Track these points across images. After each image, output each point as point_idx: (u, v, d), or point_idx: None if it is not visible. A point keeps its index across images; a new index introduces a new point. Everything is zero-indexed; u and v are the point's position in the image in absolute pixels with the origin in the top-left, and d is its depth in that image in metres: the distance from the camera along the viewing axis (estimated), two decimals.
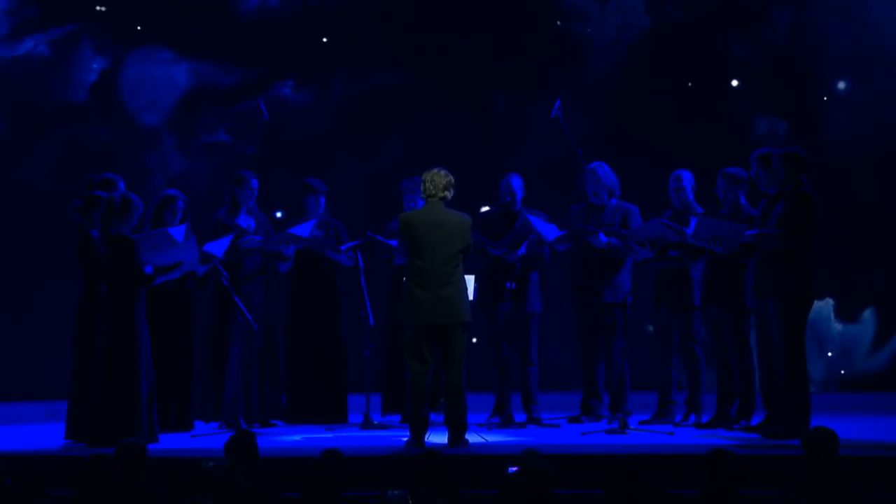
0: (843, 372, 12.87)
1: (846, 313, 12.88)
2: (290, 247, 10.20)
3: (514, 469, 6.24)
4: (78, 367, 9.25)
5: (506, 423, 9.88)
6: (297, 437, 9.41)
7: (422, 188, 8.91)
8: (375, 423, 9.98)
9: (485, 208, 10.48)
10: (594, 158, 10.26)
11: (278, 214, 10.34)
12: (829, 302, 12.76)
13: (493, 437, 9.16)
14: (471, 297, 9.45)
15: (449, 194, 8.85)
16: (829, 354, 12.85)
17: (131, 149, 12.73)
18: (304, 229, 10.12)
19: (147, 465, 6.68)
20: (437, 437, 8.88)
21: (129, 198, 8.97)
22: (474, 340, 10.72)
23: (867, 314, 12.88)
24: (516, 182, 10.12)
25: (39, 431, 10.02)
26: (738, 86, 12.97)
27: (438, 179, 8.83)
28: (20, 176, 12.57)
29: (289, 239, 10.13)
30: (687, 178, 9.95)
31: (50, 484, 6.82)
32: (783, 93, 13.00)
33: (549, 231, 9.84)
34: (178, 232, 9.38)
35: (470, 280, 9.64)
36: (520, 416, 10.07)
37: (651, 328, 10.52)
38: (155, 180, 12.60)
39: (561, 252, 10.06)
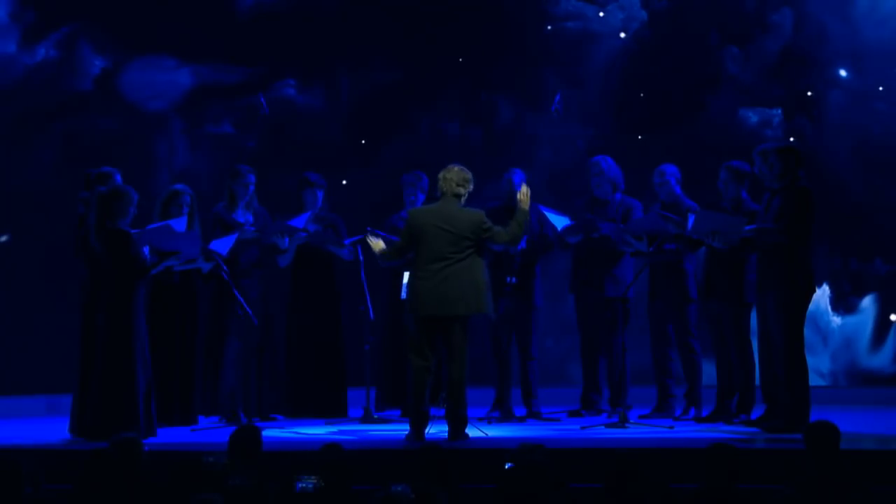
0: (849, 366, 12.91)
1: (844, 304, 12.89)
2: (285, 238, 10.16)
3: (510, 465, 6.23)
4: (82, 362, 9.24)
5: (506, 417, 9.88)
6: (298, 432, 9.40)
7: (438, 185, 8.89)
8: (375, 417, 9.99)
9: None
10: (597, 153, 10.27)
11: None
12: (826, 291, 12.77)
13: (492, 432, 9.15)
14: None
15: (464, 190, 8.83)
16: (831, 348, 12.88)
17: (137, 141, 12.75)
18: (299, 221, 10.10)
19: (145, 459, 6.67)
20: (437, 432, 8.87)
21: (121, 190, 8.96)
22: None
23: (866, 302, 12.89)
24: (518, 177, 10.11)
25: (40, 425, 10.02)
26: (731, 79, 12.98)
27: (452, 176, 8.81)
28: (25, 170, 12.58)
29: (284, 229, 10.10)
30: (670, 171, 9.93)
31: (49, 478, 6.83)
32: (780, 87, 13.04)
33: (560, 221, 9.82)
34: (179, 225, 9.39)
35: None
36: (520, 411, 10.07)
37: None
38: (160, 173, 12.62)
39: (573, 245, 10.01)
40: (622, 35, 13.17)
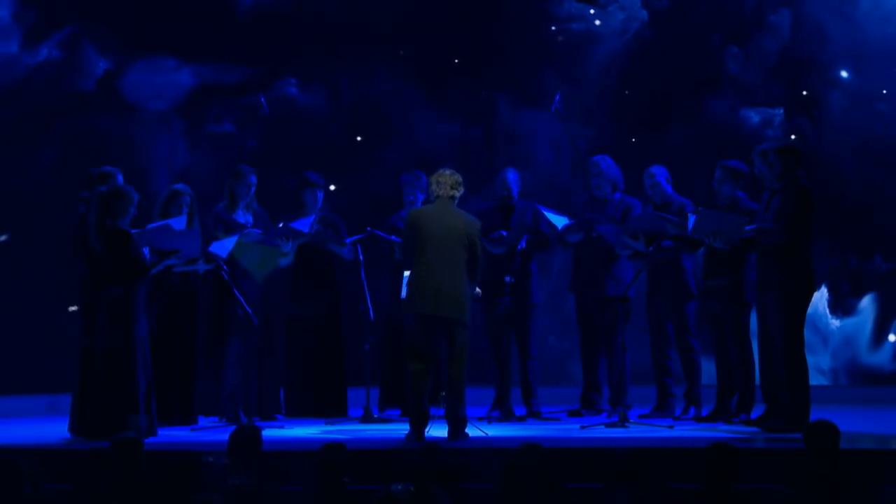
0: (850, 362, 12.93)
1: (842, 306, 12.90)
2: (288, 242, 10.17)
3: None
4: (82, 362, 9.24)
5: (506, 416, 9.88)
6: (298, 432, 9.40)
7: (430, 188, 8.92)
8: (375, 416, 9.99)
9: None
10: (596, 153, 10.27)
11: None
12: (824, 294, 12.77)
13: (492, 431, 9.15)
14: None
15: (458, 193, 8.86)
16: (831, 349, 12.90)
17: (137, 141, 12.76)
18: (304, 224, 10.10)
19: (145, 458, 6.67)
20: (437, 431, 8.88)
21: (121, 190, 8.97)
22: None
23: (865, 302, 12.89)
24: (512, 176, 10.14)
25: (40, 425, 10.02)
26: (732, 79, 12.99)
27: (445, 179, 8.85)
28: (25, 170, 12.58)
29: (288, 233, 10.11)
30: (659, 172, 9.95)
31: (49, 478, 6.84)
32: (781, 87, 13.05)
33: (559, 221, 9.84)
34: (179, 224, 9.39)
35: None
36: (520, 410, 10.07)
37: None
38: (160, 173, 12.62)
39: (573, 243, 10.03)
40: (597, 22, 13.16)
